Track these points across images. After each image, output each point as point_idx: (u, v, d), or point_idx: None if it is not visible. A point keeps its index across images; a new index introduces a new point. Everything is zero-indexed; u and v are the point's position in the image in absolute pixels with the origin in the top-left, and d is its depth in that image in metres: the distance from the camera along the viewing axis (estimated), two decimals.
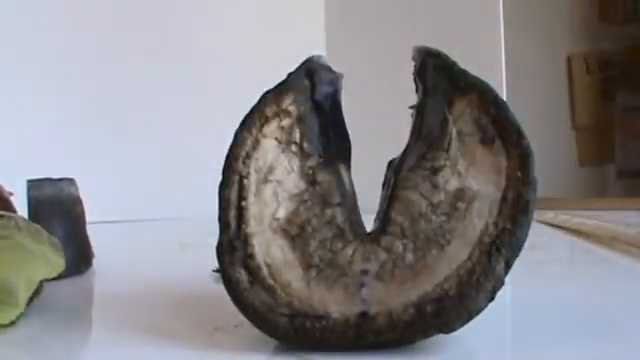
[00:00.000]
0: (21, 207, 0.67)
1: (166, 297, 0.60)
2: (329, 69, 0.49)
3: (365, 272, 0.44)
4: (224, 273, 0.46)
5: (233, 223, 0.46)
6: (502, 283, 0.43)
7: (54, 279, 0.57)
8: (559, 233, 0.88)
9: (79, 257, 0.69)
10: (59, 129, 1.05)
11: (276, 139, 0.48)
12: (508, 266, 0.43)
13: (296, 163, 0.47)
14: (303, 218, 0.46)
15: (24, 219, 0.59)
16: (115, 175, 1.05)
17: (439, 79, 0.47)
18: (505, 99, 0.46)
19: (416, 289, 0.43)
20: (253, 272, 0.45)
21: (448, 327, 0.43)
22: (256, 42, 1.11)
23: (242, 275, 0.45)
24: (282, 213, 0.46)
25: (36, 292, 0.54)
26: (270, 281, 0.45)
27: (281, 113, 0.48)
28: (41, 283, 0.55)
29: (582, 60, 1.31)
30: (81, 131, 1.06)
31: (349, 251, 0.45)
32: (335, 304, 0.44)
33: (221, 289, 0.46)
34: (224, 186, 0.47)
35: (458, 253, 0.44)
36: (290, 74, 0.49)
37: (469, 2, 1.12)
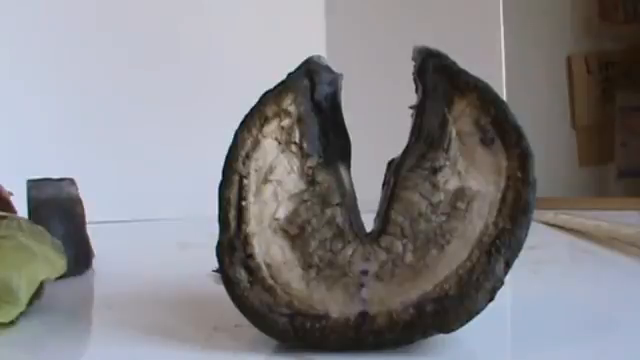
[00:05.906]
0: (21, 207, 0.67)
1: (166, 297, 0.60)
2: (329, 69, 0.49)
3: (365, 272, 0.44)
4: (224, 273, 0.46)
5: (233, 223, 0.46)
6: (502, 283, 0.43)
7: (54, 279, 0.57)
8: (559, 233, 0.88)
9: (79, 257, 0.69)
10: (59, 129, 1.05)
11: (276, 139, 0.48)
12: (508, 266, 0.44)
13: (296, 163, 0.47)
14: (303, 218, 0.46)
15: (27, 220, 0.59)
16: (115, 175, 1.05)
17: (439, 79, 0.47)
18: (505, 99, 0.46)
19: (416, 289, 0.43)
20: (253, 272, 0.45)
21: (448, 327, 0.43)
22: (256, 42, 1.11)
23: (242, 275, 0.45)
24: (282, 213, 0.46)
25: (37, 292, 0.54)
26: (270, 281, 0.45)
27: (281, 113, 0.48)
28: (42, 284, 0.55)
29: (582, 60, 1.31)
30: (81, 131, 1.05)
31: (349, 251, 0.45)
32: (335, 304, 0.44)
33: (221, 289, 0.46)
34: (224, 186, 0.47)
35: (458, 253, 0.44)
36: (290, 74, 0.49)
37: (469, 2, 1.12)
